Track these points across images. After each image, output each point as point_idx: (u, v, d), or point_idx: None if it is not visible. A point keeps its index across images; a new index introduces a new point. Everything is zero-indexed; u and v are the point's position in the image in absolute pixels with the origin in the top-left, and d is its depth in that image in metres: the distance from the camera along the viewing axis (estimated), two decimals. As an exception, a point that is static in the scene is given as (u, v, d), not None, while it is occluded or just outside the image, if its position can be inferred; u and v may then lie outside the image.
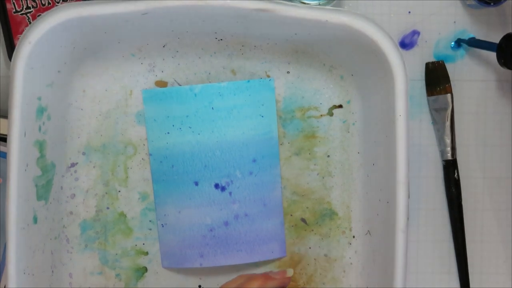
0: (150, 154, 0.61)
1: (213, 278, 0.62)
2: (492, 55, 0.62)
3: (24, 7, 0.60)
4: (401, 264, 0.53)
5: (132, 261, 0.62)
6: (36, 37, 0.52)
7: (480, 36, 0.62)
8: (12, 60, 0.53)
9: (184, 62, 0.61)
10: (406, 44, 0.62)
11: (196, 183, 0.61)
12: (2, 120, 0.60)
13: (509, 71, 0.62)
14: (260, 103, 0.60)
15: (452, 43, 0.62)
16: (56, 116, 0.58)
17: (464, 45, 0.62)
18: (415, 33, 0.62)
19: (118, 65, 0.61)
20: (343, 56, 0.59)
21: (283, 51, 0.60)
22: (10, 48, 0.60)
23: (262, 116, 0.61)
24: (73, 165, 0.61)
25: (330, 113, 0.61)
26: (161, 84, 0.61)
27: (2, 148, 0.60)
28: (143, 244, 0.62)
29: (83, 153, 0.61)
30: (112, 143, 0.61)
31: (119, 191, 0.61)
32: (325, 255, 0.62)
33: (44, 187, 0.57)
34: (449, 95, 0.62)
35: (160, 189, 0.61)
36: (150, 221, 0.62)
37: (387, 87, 0.54)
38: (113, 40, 0.58)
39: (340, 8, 0.54)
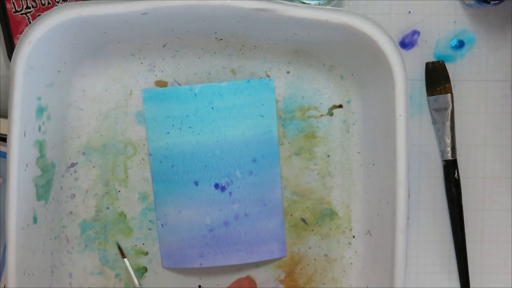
0: (150, 154, 0.61)
1: (213, 278, 0.62)
2: (493, 55, 0.62)
3: (24, 7, 0.60)
4: (401, 264, 0.53)
5: (132, 261, 0.62)
6: (36, 37, 0.52)
7: (480, 36, 0.62)
8: (12, 60, 0.53)
9: (184, 62, 0.61)
10: (406, 44, 0.62)
11: (196, 183, 0.61)
12: (2, 120, 0.60)
13: (509, 72, 0.62)
14: (260, 103, 0.60)
15: (453, 41, 0.62)
16: (56, 116, 0.58)
17: (465, 45, 0.62)
18: (415, 33, 0.62)
19: (118, 65, 0.61)
20: (343, 56, 0.59)
21: (283, 51, 0.60)
22: (10, 48, 0.60)
23: (262, 116, 0.61)
24: (73, 165, 0.61)
25: (330, 113, 0.61)
26: (161, 84, 0.61)
27: (2, 148, 0.60)
28: (143, 244, 0.62)
29: (83, 153, 0.61)
30: (112, 143, 0.61)
31: (119, 191, 0.61)
32: (325, 255, 0.62)
33: (44, 187, 0.57)
34: (449, 95, 0.62)
35: (160, 189, 0.61)
36: (150, 221, 0.62)
37: (387, 87, 0.54)
38: (113, 40, 0.58)
39: (340, 8, 0.54)
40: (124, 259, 0.58)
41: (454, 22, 0.62)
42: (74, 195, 0.61)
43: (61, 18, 0.53)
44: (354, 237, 0.61)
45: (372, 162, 0.59)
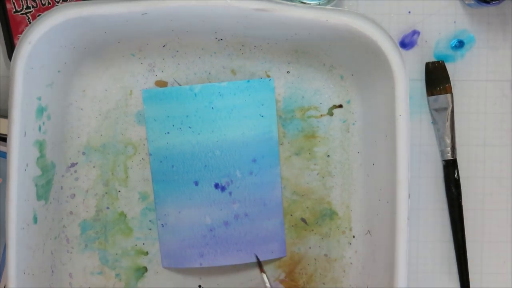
0: (150, 154, 0.61)
1: (213, 278, 0.62)
2: (493, 55, 0.62)
3: (24, 7, 0.60)
4: (402, 264, 0.53)
5: (132, 261, 0.62)
6: (36, 37, 0.52)
7: (480, 36, 0.62)
8: (12, 60, 0.53)
9: (184, 62, 0.61)
10: (406, 44, 0.62)
11: (196, 183, 0.61)
12: (2, 120, 0.60)
13: (509, 72, 0.62)
14: (260, 103, 0.60)
15: (453, 41, 0.62)
16: (56, 116, 0.58)
17: (465, 45, 0.62)
18: (415, 33, 0.62)
19: (118, 65, 0.61)
20: (343, 56, 0.59)
21: (283, 51, 0.60)
22: (10, 48, 0.60)
23: (262, 116, 0.61)
24: (73, 165, 0.61)
25: (330, 113, 0.61)
26: (161, 84, 0.61)
27: (2, 148, 0.60)
28: (143, 244, 0.62)
29: (83, 153, 0.61)
30: (112, 143, 0.61)
31: (119, 191, 0.61)
32: (325, 255, 0.62)
33: (44, 187, 0.57)
34: (449, 95, 0.62)
35: (160, 189, 0.61)
36: (150, 221, 0.62)
37: (387, 87, 0.54)
38: (113, 40, 0.58)
39: (340, 8, 0.54)
40: (262, 273, 0.59)
41: (454, 22, 0.62)
42: (74, 195, 0.61)
43: (61, 18, 0.53)
44: (354, 237, 0.61)
45: (372, 162, 0.59)
